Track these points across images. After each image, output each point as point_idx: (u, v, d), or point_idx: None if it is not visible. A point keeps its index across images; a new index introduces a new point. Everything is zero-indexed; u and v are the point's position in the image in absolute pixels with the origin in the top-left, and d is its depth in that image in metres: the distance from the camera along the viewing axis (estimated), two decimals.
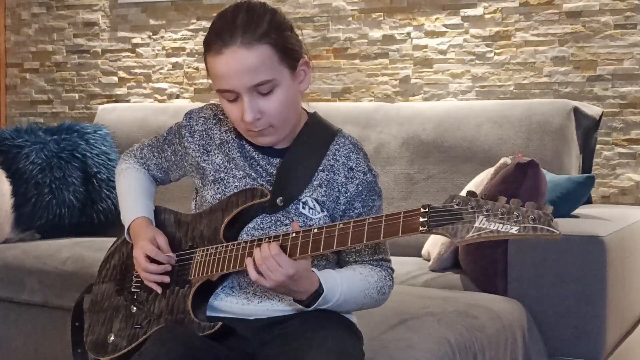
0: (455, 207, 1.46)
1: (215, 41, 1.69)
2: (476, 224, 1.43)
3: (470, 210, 1.44)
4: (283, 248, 1.62)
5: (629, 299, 2.72)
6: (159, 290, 1.81)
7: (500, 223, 1.41)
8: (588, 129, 3.16)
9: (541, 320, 2.48)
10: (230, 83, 1.69)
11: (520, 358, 2.33)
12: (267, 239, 1.65)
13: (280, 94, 1.71)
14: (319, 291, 1.66)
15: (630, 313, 2.78)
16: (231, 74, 1.68)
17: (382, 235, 1.53)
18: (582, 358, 2.46)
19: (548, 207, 1.41)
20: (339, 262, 1.81)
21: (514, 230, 1.40)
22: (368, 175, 1.79)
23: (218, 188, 1.81)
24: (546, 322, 2.48)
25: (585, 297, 2.44)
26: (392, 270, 1.81)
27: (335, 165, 1.79)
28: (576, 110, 3.11)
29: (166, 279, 1.79)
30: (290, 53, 1.72)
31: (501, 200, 1.43)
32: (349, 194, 1.78)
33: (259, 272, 1.63)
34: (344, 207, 1.78)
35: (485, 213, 1.43)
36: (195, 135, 1.87)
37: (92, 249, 3.07)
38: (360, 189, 1.78)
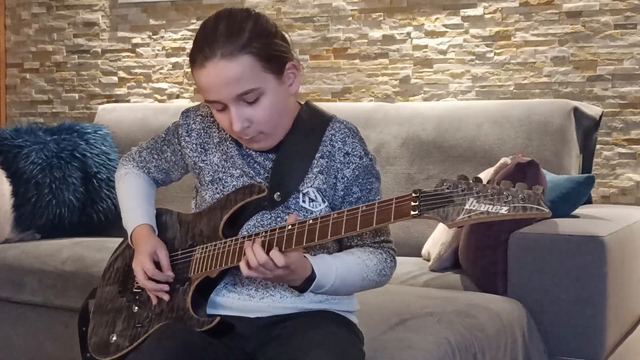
0: (446, 190, 1.46)
1: (197, 55, 1.70)
2: (466, 206, 1.43)
3: (460, 193, 1.44)
4: (279, 240, 1.62)
5: (629, 298, 2.72)
6: (155, 301, 1.81)
7: (490, 204, 1.41)
8: (588, 129, 3.16)
9: (541, 320, 2.48)
10: (216, 95, 1.70)
11: (520, 358, 2.33)
12: (263, 233, 1.65)
13: (266, 102, 1.70)
14: (312, 277, 1.66)
15: (630, 313, 2.78)
16: (214, 87, 1.68)
17: (374, 222, 1.54)
18: (582, 358, 2.46)
19: (538, 187, 1.41)
20: (341, 247, 1.81)
21: (503, 210, 1.40)
22: (364, 160, 1.79)
23: (216, 188, 1.82)
24: (546, 322, 2.48)
25: (585, 297, 2.44)
26: (394, 250, 1.81)
27: (332, 150, 1.78)
28: (576, 110, 3.11)
29: (165, 296, 1.80)
30: (274, 59, 1.71)
31: (492, 182, 1.43)
32: (345, 179, 1.77)
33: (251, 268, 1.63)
34: (342, 192, 1.78)
35: (475, 195, 1.43)
36: (193, 134, 1.87)
37: (92, 249, 3.07)
38: (357, 173, 1.78)
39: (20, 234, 3.37)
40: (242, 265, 1.63)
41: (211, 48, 1.67)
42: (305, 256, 1.67)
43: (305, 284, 1.67)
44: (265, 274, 1.62)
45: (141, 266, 1.81)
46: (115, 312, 1.88)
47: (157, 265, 1.82)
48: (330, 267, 1.69)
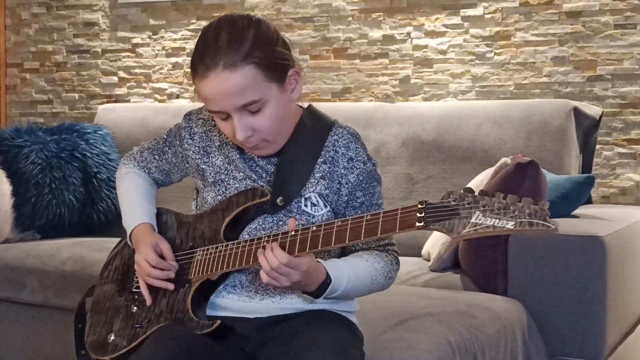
0: (452, 202, 1.46)
1: (199, 65, 1.68)
2: (473, 219, 1.42)
3: (467, 206, 1.44)
4: (282, 245, 1.62)
5: (629, 298, 2.72)
6: (149, 301, 1.81)
7: (496, 218, 1.41)
8: (588, 129, 3.16)
9: (541, 320, 2.48)
10: (218, 105, 1.69)
11: (520, 358, 2.33)
12: (266, 237, 1.65)
13: (269, 110, 1.70)
14: (327, 281, 1.66)
15: (630, 313, 2.78)
16: (217, 97, 1.68)
17: (379, 232, 1.54)
18: (582, 358, 2.46)
19: (544, 202, 1.41)
20: (344, 251, 1.81)
21: (510, 225, 1.40)
22: (368, 165, 1.79)
23: (218, 190, 1.82)
24: (546, 322, 2.48)
25: (585, 297, 2.44)
26: (398, 253, 1.82)
27: (335, 156, 1.79)
28: (576, 110, 3.11)
29: (170, 285, 1.79)
30: (276, 68, 1.70)
31: (498, 196, 1.43)
32: (349, 184, 1.78)
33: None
34: (346, 197, 1.78)
35: (482, 208, 1.42)
36: (195, 137, 1.87)
37: (92, 249, 3.07)
38: (360, 178, 1.78)
39: (20, 234, 3.37)
40: (262, 273, 1.63)
41: (213, 58, 1.66)
42: (318, 261, 1.67)
43: (319, 290, 1.67)
44: (281, 280, 1.61)
45: (144, 257, 1.80)
46: (114, 311, 1.88)
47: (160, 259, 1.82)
48: (342, 271, 1.69)
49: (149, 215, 1.91)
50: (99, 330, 1.88)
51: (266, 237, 1.65)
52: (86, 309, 1.96)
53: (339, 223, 1.59)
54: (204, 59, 1.67)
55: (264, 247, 1.63)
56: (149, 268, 1.79)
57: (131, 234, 1.90)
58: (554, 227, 1.39)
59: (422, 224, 1.47)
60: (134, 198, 1.95)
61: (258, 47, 1.67)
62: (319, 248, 1.59)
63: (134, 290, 1.88)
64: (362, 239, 1.56)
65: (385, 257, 1.78)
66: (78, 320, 1.97)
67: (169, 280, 1.80)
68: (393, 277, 1.80)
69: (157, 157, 1.97)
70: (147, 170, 2.00)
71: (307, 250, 1.60)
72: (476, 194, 1.45)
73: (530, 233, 1.40)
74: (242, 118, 1.69)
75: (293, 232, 1.62)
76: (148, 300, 1.81)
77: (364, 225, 1.55)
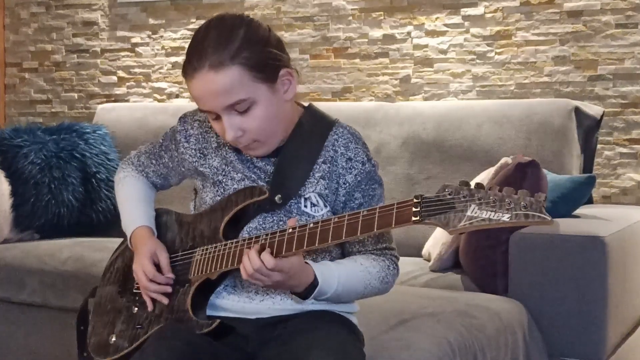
0: (448, 196, 1.45)
1: (187, 65, 1.69)
2: (468, 213, 1.42)
3: (462, 199, 1.43)
4: (279, 243, 1.61)
5: (629, 299, 2.72)
6: (150, 307, 1.81)
7: (492, 211, 1.40)
8: (589, 128, 3.16)
9: (541, 320, 2.47)
10: (206, 105, 1.69)
11: (521, 358, 2.33)
12: (264, 236, 1.65)
13: (259, 111, 1.69)
14: (314, 283, 1.65)
15: (631, 313, 2.77)
16: (204, 97, 1.68)
17: (375, 227, 1.53)
18: (582, 358, 2.46)
19: (540, 194, 1.40)
20: (343, 254, 1.81)
21: (505, 217, 1.39)
22: (367, 166, 1.78)
23: (217, 191, 1.81)
24: (546, 322, 2.47)
25: (585, 297, 2.44)
26: (397, 257, 1.80)
27: (335, 156, 1.78)
28: (577, 110, 3.11)
29: (165, 299, 1.79)
30: (266, 68, 1.69)
31: (494, 189, 1.42)
32: (347, 184, 1.77)
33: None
34: (344, 198, 1.77)
35: (477, 202, 1.42)
36: (191, 140, 1.86)
37: (92, 249, 3.07)
38: (359, 179, 1.77)
39: (19, 234, 3.37)
40: (242, 271, 1.63)
41: (199, 59, 1.66)
42: (307, 262, 1.66)
43: (307, 291, 1.66)
44: (263, 280, 1.61)
45: (142, 268, 1.80)
46: (115, 312, 1.88)
47: (157, 267, 1.81)
48: (333, 273, 1.68)
49: (148, 218, 1.91)
50: (100, 332, 1.88)
51: (264, 236, 1.65)
52: (88, 310, 1.96)
53: (336, 219, 1.58)
54: (191, 59, 1.68)
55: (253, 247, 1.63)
56: (146, 282, 1.80)
57: (130, 238, 1.89)
58: (550, 218, 1.38)
59: (417, 218, 1.46)
60: (132, 202, 1.94)
61: (246, 47, 1.66)
62: (317, 245, 1.58)
63: (134, 291, 1.87)
64: (358, 234, 1.55)
65: (382, 261, 1.77)
66: (80, 322, 1.96)
67: (165, 292, 1.80)
68: (390, 282, 1.79)
69: (154, 161, 1.96)
70: (144, 174, 1.99)
71: (305, 247, 1.59)
72: (472, 186, 1.44)
73: (526, 225, 1.39)
74: (230, 118, 1.69)
75: (290, 230, 1.62)
76: (150, 306, 1.81)
77: (360, 221, 1.54)
